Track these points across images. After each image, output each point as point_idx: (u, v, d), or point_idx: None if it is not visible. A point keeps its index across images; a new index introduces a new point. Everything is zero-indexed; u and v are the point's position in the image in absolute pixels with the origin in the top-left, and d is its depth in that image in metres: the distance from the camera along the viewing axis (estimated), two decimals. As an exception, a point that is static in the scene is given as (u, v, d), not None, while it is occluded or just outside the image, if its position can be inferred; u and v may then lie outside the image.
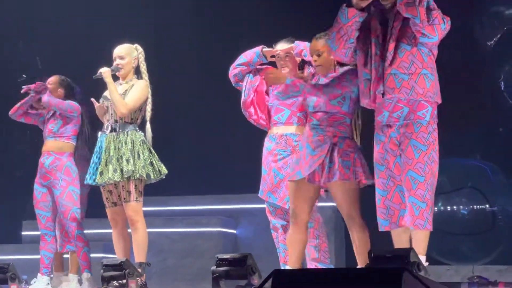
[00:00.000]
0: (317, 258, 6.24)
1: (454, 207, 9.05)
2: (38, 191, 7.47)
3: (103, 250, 9.15)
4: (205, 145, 10.04)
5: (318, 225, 6.28)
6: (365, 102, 5.64)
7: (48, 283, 7.33)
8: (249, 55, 6.48)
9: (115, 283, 6.16)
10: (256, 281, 5.51)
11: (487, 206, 8.99)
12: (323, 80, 5.94)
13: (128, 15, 10.30)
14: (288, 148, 6.30)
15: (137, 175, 6.56)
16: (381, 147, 5.56)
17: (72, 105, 7.48)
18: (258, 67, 6.56)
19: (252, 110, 6.48)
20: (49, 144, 7.49)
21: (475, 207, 9.03)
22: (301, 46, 6.31)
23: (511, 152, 9.27)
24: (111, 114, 6.74)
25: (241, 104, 6.49)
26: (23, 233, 9.85)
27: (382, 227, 5.57)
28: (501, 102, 9.58)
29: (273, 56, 6.43)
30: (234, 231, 9.37)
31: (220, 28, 10.06)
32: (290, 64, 6.34)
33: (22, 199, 9.59)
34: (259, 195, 6.48)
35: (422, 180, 5.38)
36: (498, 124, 9.63)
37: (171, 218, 9.32)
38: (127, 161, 6.57)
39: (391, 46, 5.50)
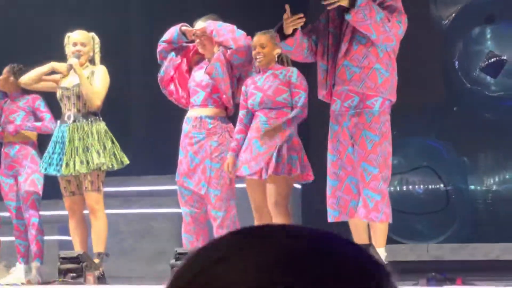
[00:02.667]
0: None
1: (410, 186, 9.14)
2: (5, 182, 7.40)
3: (58, 232, 9.10)
4: (164, 125, 9.99)
5: (229, 215, 6.18)
6: (321, 94, 5.64)
7: (26, 271, 7.28)
8: (170, 33, 6.41)
9: (72, 275, 6.16)
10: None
11: (442, 185, 9.09)
12: (266, 79, 5.99)
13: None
14: (203, 131, 6.22)
15: (105, 167, 6.54)
16: (334, 137, 5.57)
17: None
18: (184, 45, 6.47)
19: (173, 88, 6.41)
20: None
21: (429, 186, 9.13)
22: (211, 27, 6.21)
23: (465, 131, 9.37)
24: (73, 103, 6.64)
25: (159, 81, 6.43)
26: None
27: (332, 218, 5.59)
28: (455, 82, 9.64)
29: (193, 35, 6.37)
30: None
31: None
32: (206, 43, 6.28)
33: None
34: (175, 179, 6.42)
35: (376, 172, 5.39)
36: (452, 103, 9.71)
37: (128, 198, 9.29)
38: (97, 153, 6.51)
39: (346, 38, 5.50)
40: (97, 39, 6.81)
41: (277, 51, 6.02)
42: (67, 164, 6.56)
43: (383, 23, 5.31)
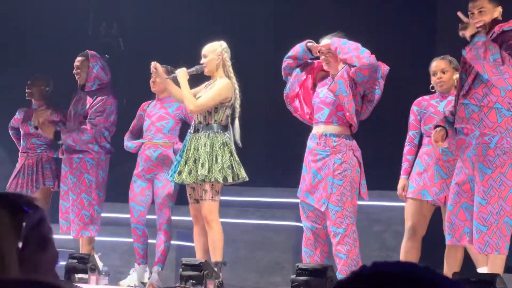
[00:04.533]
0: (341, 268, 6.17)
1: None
2: (138, 184, 7.40)
3: (176, 237, 9.22)
4: (283, 138, 10.02)
5: (349, 232, 6.14)
6: None
7: (144, 274, 7.35)
8: (295, 49, 6.43)
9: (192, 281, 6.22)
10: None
11: None
12: (448, 101, 6.22)
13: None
14: (327, 149, 6.21)
15: (212, 179, 6.53)
16: (459, 161, 5.63)
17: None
18: (309, 61, 6.47)
19: (298, 105, 6.43)
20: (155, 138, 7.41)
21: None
22: (336, 44, 6.19)
23: None
24: (197, 115, 6.73)
25: (284, 97, 6.44)
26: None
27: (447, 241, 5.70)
28: None
29: (318, 51, 6.37)
30: (307, 226, 9.35)
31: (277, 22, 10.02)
32: (331, 60, 6.27)
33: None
34: (297, 194, 6.44)
35: (484, 203, 5.35)
36: None
37: (244, 209, 9.34)
38: (202, 165, 6.55)
39: (471, 77, 5.52)
40: (224, 45, 6.77)
41: (456, 76, 6.13)
42: (179, 173, 6.64)
43: (496, 65, 5.27)
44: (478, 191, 5.39)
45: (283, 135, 10.00)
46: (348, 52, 6.10)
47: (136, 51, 10.29)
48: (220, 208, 6.77)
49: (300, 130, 9.66)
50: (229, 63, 6.76)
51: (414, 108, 6.48)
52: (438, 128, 5.73)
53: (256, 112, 9.99)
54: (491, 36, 5.44)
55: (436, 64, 6.36)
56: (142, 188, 7.36)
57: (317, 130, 6.30)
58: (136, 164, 7.44)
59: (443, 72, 6.29)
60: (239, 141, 6.71)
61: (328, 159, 6.18)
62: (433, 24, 9.31)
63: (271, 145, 10.22)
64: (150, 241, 7.48)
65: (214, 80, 6.75)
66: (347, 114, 6.16)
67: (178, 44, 9.64)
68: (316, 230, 6.21)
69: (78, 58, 7.80)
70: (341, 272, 6.00)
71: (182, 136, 7.29)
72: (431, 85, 6.47)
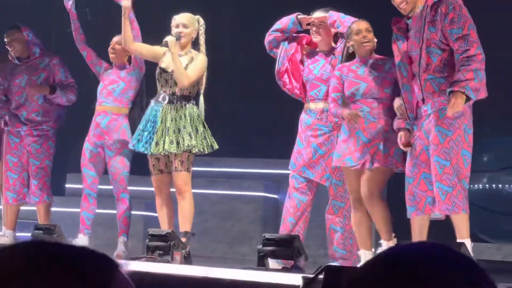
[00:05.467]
0: (337, 242, 6.21)
1: (499, 185, 8.97)
2: (90, 150, 7.41)
3: (143, 208, 9.18)
4: (250, 109, 10.00)
5: (348, 206, 6.25)
6: None
7: (87, 244, 7.35)
8: (284, 22, 6.41)
9: (159, 252, 6.20)
10: (302, 263, 5.51)
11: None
12: (369, 65, 5.95)
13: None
14: (329, 124, 6.25)
15: (196, 150, 6.56)
16: (413, 138, 5.64)
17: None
18: (294, 35, 6.46)
19: (286, 79, 6.43)
20: (108, 105, 7.40)
21: (521, 186, 8.94)
22: (335, 17, 6.22)
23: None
24: (170, 86, 6.69)
25: (275, 73, 6.44)
26: (67, 185, 9.91)
27: (408, 214, 5.70)
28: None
29: (308, 24, 6.35)
30: (276, 196, 9.35)
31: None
32: (322, 33, 6.27)
33: (66, 151, 9.63)
34: (289, 167, 6.45)
35: (448, 164, 5.38)
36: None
37: (213, 179, 9.32)
38: (189, 135, 6.54)
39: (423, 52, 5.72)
40: (201, 21, 6.80)
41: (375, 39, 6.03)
42: (157, 143, 6.61)
43: (483, 65, 5.43)
44: (439, 153, 5.41)
45: (251, 105, 9.97)
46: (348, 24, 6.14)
47: (103, 23, 10.17)
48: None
49: (267, 101, 9.67)
50: (203, 39, 6.76)
51: (336, 73, 6.16)
52: (402, 133, 5.74)
53: (223, 83, 9.95)
54: (425, 10, 5.49)
55: (360, 23, 6.06)
56: (94, 154, 7.34)
57: (315, 105, 6.33)
58: (88, 130, 7.44)
59: (369, 31, 6.01)
60: (202, 117, 6.76)
61: (331, 135, 6.24)
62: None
63: (238, 115, 10.18)
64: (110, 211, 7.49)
65: (185, 52, 6.71)
66: None
67: (146, 13, 9.54)
68: (306, 202, 6.28)
69: (11, 31, 7.87)
70: (338, 245, 6.07)
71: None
72: (347, 49, 6.16)
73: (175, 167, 6.60)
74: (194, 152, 6.61)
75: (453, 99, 5.32)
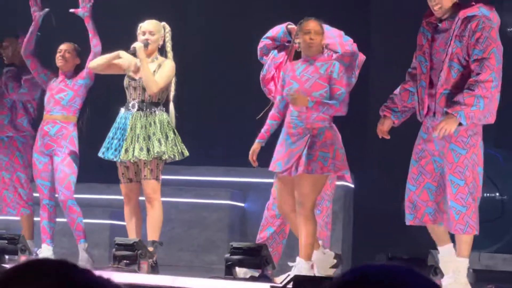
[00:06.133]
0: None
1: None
2: (40, 160, 7.31)
3: (109, 217, 9.13)
4: (217, 117, 9.99)
5: (324, 214, 6.23)
6: None
7: (52, 254, 7.28)
8: (275, 30, 6.42)
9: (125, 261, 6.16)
10: (270, 272, 5.50)
11: (497, 194, 8.95)
12: (306, 69, 5.91)
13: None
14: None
15: (166, 156, 6.54)
16: (420, 144, 5.59)
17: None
18: (286, 44, 6.46)
19: (272, 87, 6.41)
20: (56, 114, 7.33)
21: (485, 194, 8.97)
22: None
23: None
24: (139, 93, 6.67)
25: (260, 79, 6.43)
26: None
27: (407, 221, 5.68)
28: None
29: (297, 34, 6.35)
30: (242, 204, 9.35)
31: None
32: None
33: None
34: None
35: (462, 184, 5.36)
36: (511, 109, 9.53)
37: (180, 188, 9.30)
38: (159, 141, 6.52)
39: (445, 66, 5.67)
40: (168, 28, 6.81)
41: (325, 41, 5.98)
42: (126, 150, 6.59)
43: (490, 92, 5.39)
44: (453, 172, 5.38)
45: (219, 112, 9.95)
46: (331, 38, 6.14)
47: (69, 27, 10.11)
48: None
49: (237, 108, 9.67)
50: (170, 45, 6.76)
51: (281, 73, 6.15)
52: (383, 120, 5.72)
53: (192, 91, 9.94)
54: (456, 23, 5.44)
55: (310, 23, 5.97)
56: (45, 164, 7.28)
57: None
58: (35, 140, 7.36)
59: (317, 33, 5.95)
60: (173, 124, 6.72)
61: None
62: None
63: (207, 123, 10.16)
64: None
65: (152, 59, 6.69)
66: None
67: (114, 19, 9.50)
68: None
69: (9, 39, 7.91)
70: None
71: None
72: (296, 45, 6.10)
73: (144, 175, 6.58)
74: (164, 158, 6.58)
75: (443, 122, 5.30)
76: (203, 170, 9.55)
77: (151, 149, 6.52)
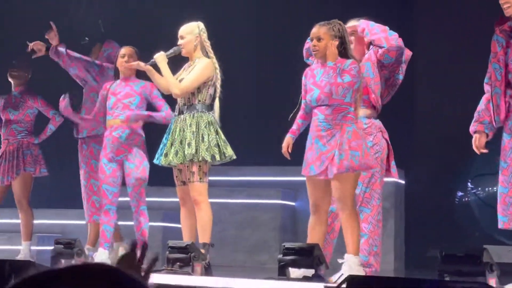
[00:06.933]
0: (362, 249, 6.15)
1: (517, 187, 8.92)
2: (108, 166, 7.29)
3: (162, 219, 9.20)
4: (267, 116, 10.01)
5: (374, 212, 6.23)
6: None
7: (108, 257, 7.34)
8: None
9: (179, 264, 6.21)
10: (323, 271, 5.51)
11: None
12: (323, 72, 5.89)
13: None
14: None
15: (200, 158, 6.53)
16: (506, 144, 5.54)
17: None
18: None
19: None
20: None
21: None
22: (363, 25, 6.24)
23: None
24: (180, 98, 6.72)
25: None
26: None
27: (501, 224, 5.63)
28: None
29: None
30: (293, 204, 9.37)
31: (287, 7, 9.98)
32: (354, 42, 6.30)
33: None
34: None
35: None
36: None
37: (231, 188, 9.34)
38: (188, 144, 6.54)
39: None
40: (201, 26, 6.75)
41: (336, 42, 5.90)
42: (166, 155, 6.63)
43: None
44: None
45: (268, 113, 9.98)
46: (376, 33, 6.16)
47: (117, 34, 10.22)
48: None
49: (285, 109, 9.67)
50: (207, 43, 6.74)
51: (303, 78, 6.09)
52: (478, 135, 5.69)
53: (241, 91, 9.98)
54: None
55: (313, 30, 5.90)
56: (113, 170, 7.32)
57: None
58: (104, 146, 7.35)
59: (318, 40, 5.85)
60: (218, 121, 6.69)
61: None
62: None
63: (256, 123, 10.19)
64: (127, 223, 7.49)
65: (193, 61, 6.73)
66: (373, 96, 6.24)
67: (158, 26, 9.58)
68: (336, 211, 6.27)
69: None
70: (362, 252, 6.03)
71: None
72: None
73: (188, 178, 6.60)
74: (196, 161, 6.54)
75: None
76: (253, 170, 9.58)
77: (181, 152, 6.57)
